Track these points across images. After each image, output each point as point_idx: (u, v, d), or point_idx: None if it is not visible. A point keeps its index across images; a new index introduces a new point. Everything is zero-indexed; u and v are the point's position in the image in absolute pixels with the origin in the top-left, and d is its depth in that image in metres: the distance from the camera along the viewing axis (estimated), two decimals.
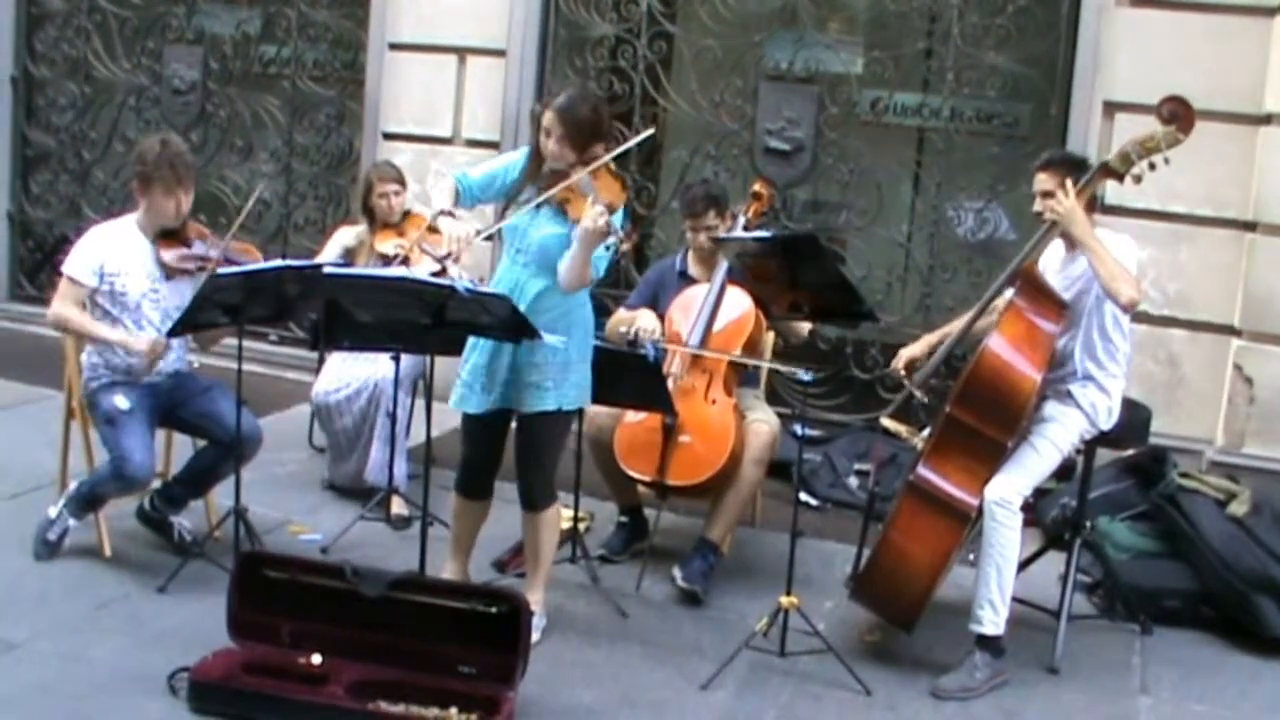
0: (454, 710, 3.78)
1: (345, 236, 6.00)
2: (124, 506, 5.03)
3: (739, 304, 5.21)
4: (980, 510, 4.38)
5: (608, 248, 4.10)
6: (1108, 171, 4.48)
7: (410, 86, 7.61)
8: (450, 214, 4.25)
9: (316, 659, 3.97)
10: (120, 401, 4.75)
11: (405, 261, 5.60)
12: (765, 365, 5.37)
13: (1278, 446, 6.03)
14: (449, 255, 4.30)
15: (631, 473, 5.09)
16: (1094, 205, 4.64)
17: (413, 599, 4.01)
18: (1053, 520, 5.58)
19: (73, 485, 4.92)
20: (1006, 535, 4.34)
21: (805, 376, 4.54)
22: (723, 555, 5.13)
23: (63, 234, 8.43)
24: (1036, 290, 4.49)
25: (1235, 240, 6.15)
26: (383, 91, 7.67)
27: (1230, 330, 6.18)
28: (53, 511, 4.89)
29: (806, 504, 6.04)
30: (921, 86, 7.18)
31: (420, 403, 5.20)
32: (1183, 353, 6.30)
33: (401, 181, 5.97)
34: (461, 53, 7.47)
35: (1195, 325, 6.28)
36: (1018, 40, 6.63)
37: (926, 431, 4.66)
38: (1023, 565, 4.61)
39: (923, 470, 4.45)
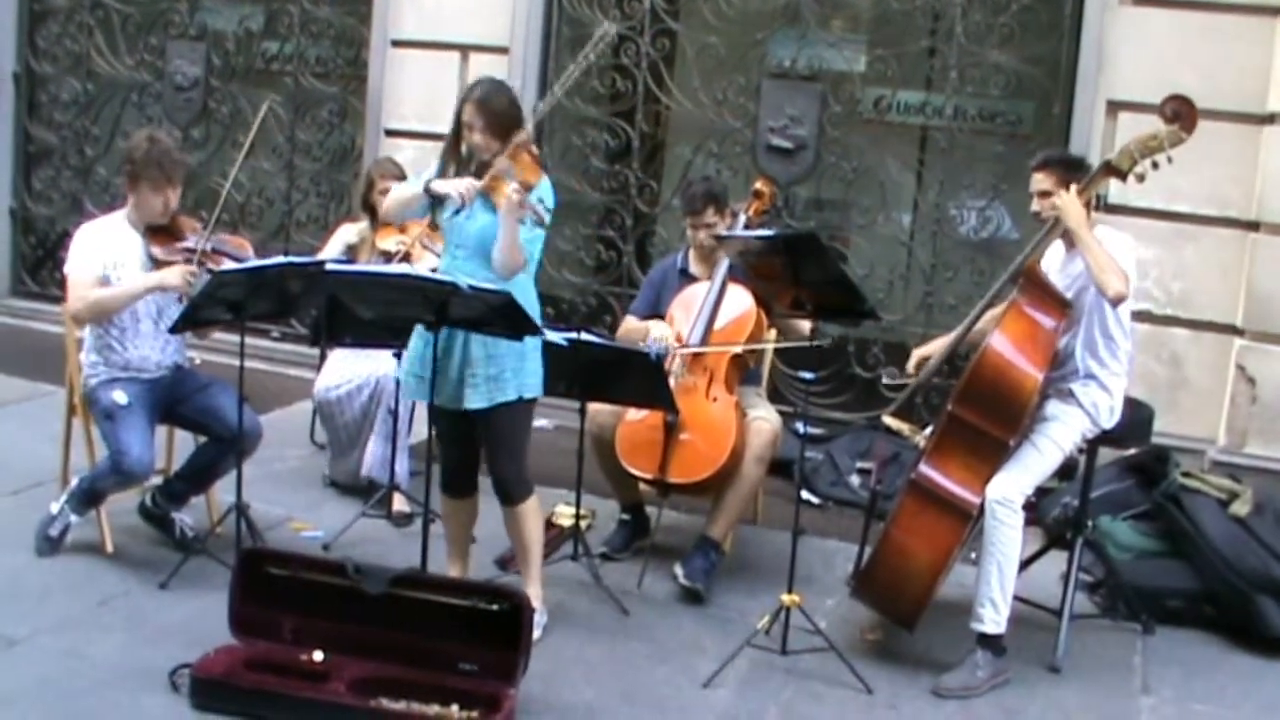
0: (455, 707, 3.78)
1: (347, 233, 6.00)
2: (126, 503, 5.03)
3: (740, 302, 5.21)
4: (982, 509, 4.38)
5: (535, 224, 4.10)
6: (1110, 170, 4.48)
7: (413, 83, 7.61)
8: None
9: (318, 656, 3.97)
10: (119, 397, 4.75)
11: (407, 258, 5.61)
12: (768, 346, 5.34)
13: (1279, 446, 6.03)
14: None
15: (633, 470, 5.09)
16: (1095, 204, 4.63)
17: (414, 596, 4.01)
18: (1054, 519, 5.57)
19: (74, 481, 4.93)
20: (1008, 534, 4.34)
21: (807, 375, 4.54)
22: (724, 553, 5.13)
23: (65, 230, 8.41)
24: (1039, 289, 4.48)
25: (1238, 240, 6.15)
26: (385, 88, 7.68)
27: (1233, 330, 6.18)
28: (54, 507, 4.89)
29: (808, 502, 6.04)
30: (924, 85, 7.17)
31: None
32: (1185, 352, 6.30)
33: (402, 178, 5.96)
34: (464, 50, 7.47)
35: (1198, 325, 6.27)
36: (1021, 39, 6.62)
37: (928, 430, 4.66)
38: (1024, 564, 4.61)
39: (925, 468, 4.45)
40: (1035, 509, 5.49)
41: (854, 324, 6.48)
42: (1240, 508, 5.06)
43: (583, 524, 5.14)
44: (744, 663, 4.39)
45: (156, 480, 5.01)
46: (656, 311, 5.41)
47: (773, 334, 5.44)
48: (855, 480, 6.32)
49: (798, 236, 4.85)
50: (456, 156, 4.34)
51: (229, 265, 4.73)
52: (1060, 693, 4.44)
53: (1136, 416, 4.91)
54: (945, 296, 6.80)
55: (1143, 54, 6.20)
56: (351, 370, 5.74)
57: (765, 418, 5.14)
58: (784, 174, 7.01)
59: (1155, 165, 4.41)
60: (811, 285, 4.51)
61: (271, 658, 3.98)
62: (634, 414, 5.11)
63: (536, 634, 4.28)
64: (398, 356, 5.50)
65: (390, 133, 7.65)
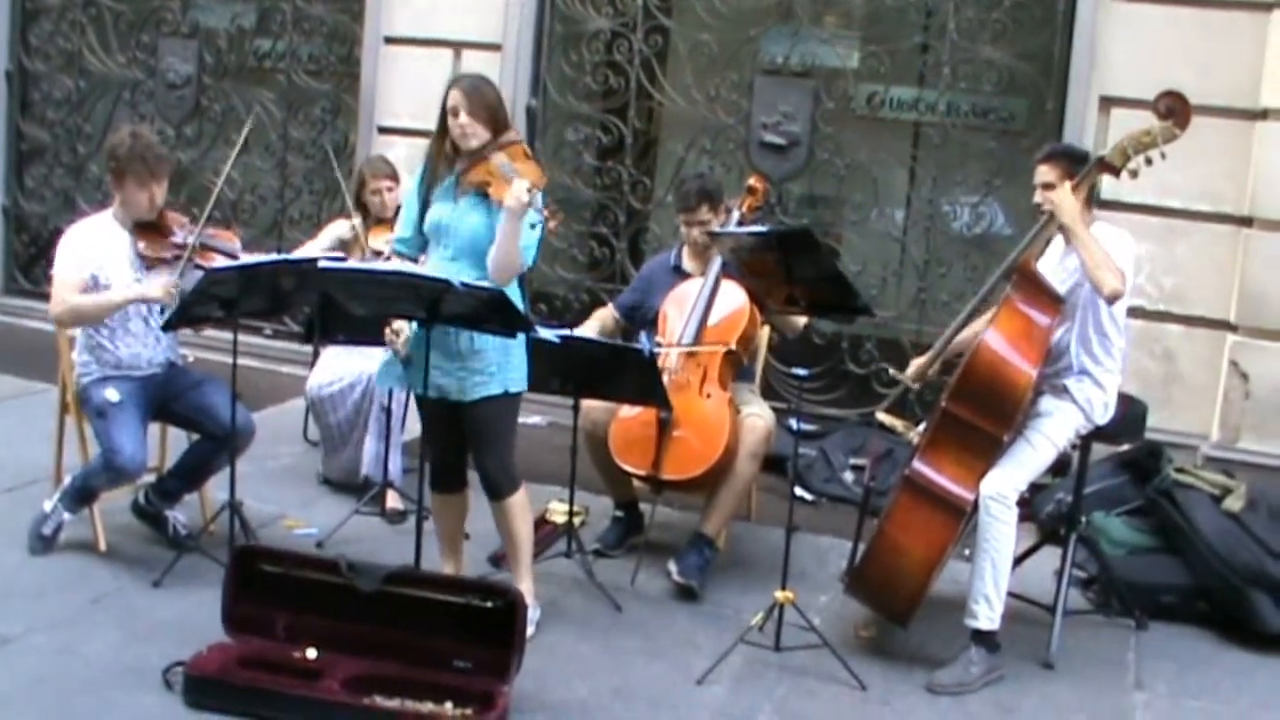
0: (449, 705, 3.78)
1: (339, 228, 5.98)
2: (119, 500, 5.03)
3: (734, 298, 5.20)
4: (976, 505, 4.38)
5: (533, 226, 4.08)
6: (1104, 167, 4.48)
7: (405, 80, 7.60)
8: None
9: (312, 653, 3.97)
10: (111, 395, 4.75)
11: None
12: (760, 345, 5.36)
13: (1273, 441, 6.04)
14: None
15: (626, 467, 5.08)
16: (1092, 201, 4.63)
17: (408, 593, 4.01)
18: (1048, 515, 5.59)
19: (67, 480, 4.92)
20: (1002, 530, 4.34)
21: (801, 371, 4.54)
22: (718, 550, 5.12)
23: (57, 228, 8.34)
24: (1033, 285, 4.48)
25: (1231, 235, 6.16)
26: (378, 85, 7.67)
27: (1226, 325, 6.18)
28: (47, 506, 4.88)
29: (802, 499, 6.04)
30: (917, 81, 7.18)
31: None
32: (1178, 348, 6.30)
33: (394, 177, 5.96)
34: (457, 47, 7.46)
35: (1191, 320, 6.28)
36: (1014, 35, 6.62)
37: (922, 426, 4.66)
38: (1018, 560, 4.61)
39: (918, 465, 4.45)
40: (1029, 505, 5.52)
41: (848, 320, 6.49)
42: (1233, 503, 5.07)
43: (576, 521, 5.15)
44: (738, 659, 4.39)
45: (149, 478, 5.01)
46: (638, 309, 5.42)
47: (766, 331, 5.45)
48: (849, 477, 6.32)
49: (791, 233, 4.85)
50: (442, 152, 4.33)
51: (219, 260, 4.73)
52: (1054, 689, 4.44)
53: (1130, 412, 4.92)
54: (938, 293, 6.81)
55: (1135, 50, 6.20)
56: (344, 367, 5.73)
57: (759, 414, 5.14)
58: (777, 170, 7.01)
59: (1149, 161, 4.41)
60: (805, 281, 4.51)
61: (265, 655, 3.97)
62: (627, 411, 5.10)
63: (530, 631, 4.28)
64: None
65: (383, 130, 7.64)
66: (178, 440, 5.12)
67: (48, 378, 6.01)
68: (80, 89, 8.65)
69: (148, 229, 4.86)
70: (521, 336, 4.33)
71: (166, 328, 4.70)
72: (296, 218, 8.15)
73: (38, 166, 8.86)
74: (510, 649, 3.87)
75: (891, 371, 4.81)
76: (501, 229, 4.09)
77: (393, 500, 5.57)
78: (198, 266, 4.70)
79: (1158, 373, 6.30)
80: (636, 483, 5.24)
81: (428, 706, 3.77)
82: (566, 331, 4.75)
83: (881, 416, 4.79)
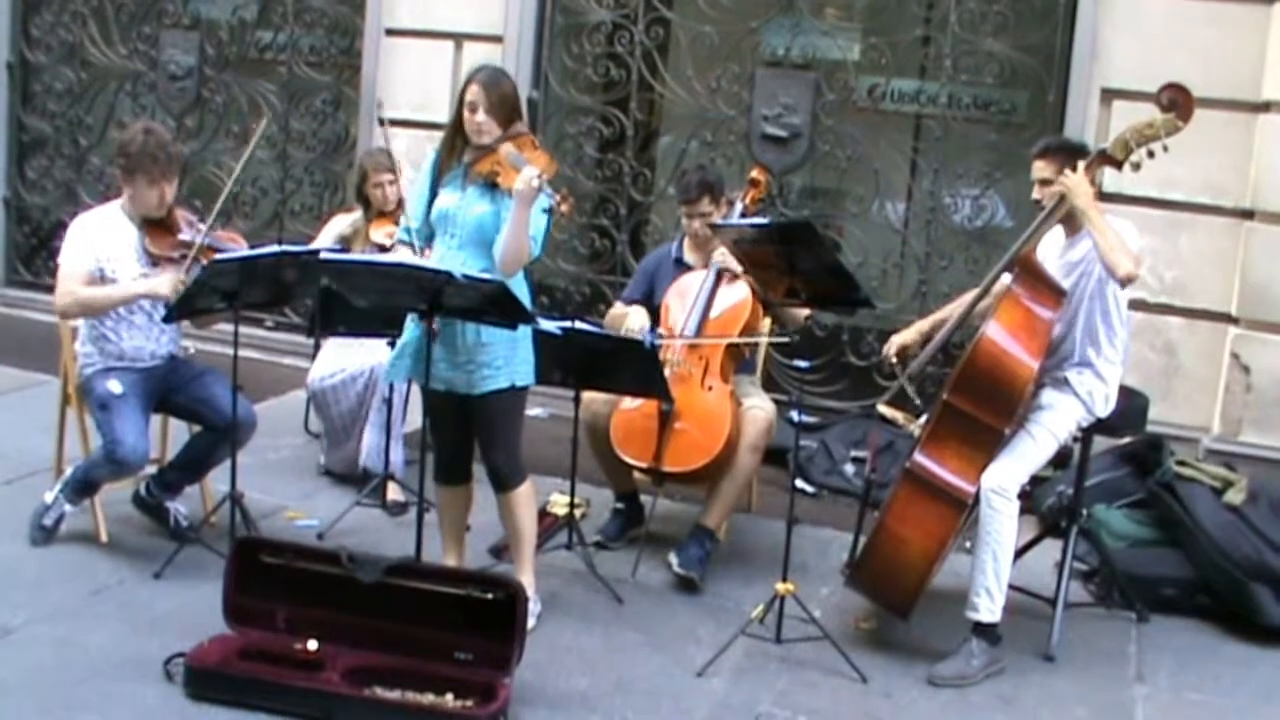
0: (450, 696, 3.79)
1: (340, 225, 5.99)
2: (120, 492, 5.03)
3: (735, 291, 5.20)
4: (977, 498, 4.38)
5: (545, 211, 4.09)
6: (1106, 159, 4.47)
7: (407, 72, 7.59)
8: None
9: (312, 645, 3.97)
10: (113, 386, 4.74)
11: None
12: (761, 340, 5.34)
13: (1274, 434, 6.03)
14: None
15: (627, 459, 5.09)
16: (1099, 191, 4.62)
17: (409, 585, 4.01)
18: (1049, 508, 5.58)
19: (69, 471, 4.92)
20: (1003, 523, 4.34)
21: (802, 364, 4.54)
22: (719, 542, 5.13)
23: (58, 219, 8.41)
24: (1034, 277, 4.48)
25: (1233, 228, 6.15)
26: (379, 77, 7.66)
27: (1227, 318, 6.17)
28: (49, 497, 4.89)
29: (803, 491, 6.04)
30: (919, 73, 7.16)
31: (416, 389, 5.20)
32: (1180, 340, 6.30)
33: (393, 170, 5.96)
34: (458, 38, 7.46)
35: (1192, 313, 6.27)
36: (1015, 27, 6.60)
37: (923, 419, 4.65)
38: (1019, 553, 4.61)
39: (919, 457, 4.45)
40: (1030, 498, 5.51)
41: (849, 312, 6.49)
42: (1235, 496, 5.07)
43: (577, 513, 5.15)
44: (739, 652, 4.39)
45: (151, 469, 5.01)
46: (648, 300, 5.41)
47: (768, 323, 5.44)
48: (850, 469, 6.32)
49: (792, 225, 4.85)
50: (454, 143, 4.32)
51: None
52: (1055, 681, 4.45)
53: (1131, 405, 4.91)
54: (939, 285, 6.79)
55: (1137, 42, 6.19)
56: (346, 359, 5.73)
57: (760, 406, 5.14)
58: (778, 163, 7.00)
59: (1151, 154, 4.40)
60: (806, 274, 4.50)
61: (266, 647, 3.98)
62: (629, 403, 5.10)
63: (531, 623, 4.28)
64: (392, 345, 5.49)
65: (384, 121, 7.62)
66: (179, 432, 5.12)
67: (49, 369, 6.01)
68: (81, 81, 8.64)
69: (156, 226, 4.83)
70: (529, 330, 4.33)
71: (168, 319, 4.70)
72: (297, 209, 8.14)
73: (39, 158, 8.85)
74: (511, 641, 3.87)
75: (892, 360, 4.79)
76: (511, 215, 4.09)
77: (393, 492, 5.57)
78: (203, 268, 4.69)
79: (1159, 365, 6.29)
80: (637, 475, 5.24)
81: (429, 698, 3.78)
82: (568, 324, 4.74)
83: (883, 409, 4.79)
